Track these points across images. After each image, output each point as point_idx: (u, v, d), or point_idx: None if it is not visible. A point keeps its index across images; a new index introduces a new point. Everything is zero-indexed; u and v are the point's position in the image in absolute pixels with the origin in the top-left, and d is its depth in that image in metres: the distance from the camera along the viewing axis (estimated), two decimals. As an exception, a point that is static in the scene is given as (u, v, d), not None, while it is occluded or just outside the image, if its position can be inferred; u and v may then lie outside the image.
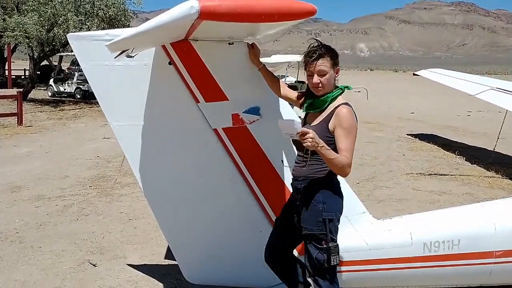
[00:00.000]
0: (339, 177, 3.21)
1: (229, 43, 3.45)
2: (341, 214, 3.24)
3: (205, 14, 2.28)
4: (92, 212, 6.26)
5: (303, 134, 2.77)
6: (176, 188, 3.67)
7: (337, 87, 3.20)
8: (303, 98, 3.34)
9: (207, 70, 3.46)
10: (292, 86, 16.63)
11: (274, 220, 3.63)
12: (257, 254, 3.56)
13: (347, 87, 3.33)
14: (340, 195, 3.23)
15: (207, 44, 3.40)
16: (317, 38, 3.30)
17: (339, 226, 3.33)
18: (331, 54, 3.09)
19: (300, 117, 3.54)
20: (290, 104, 3.63)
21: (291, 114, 3.68)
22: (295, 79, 18.77)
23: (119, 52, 3.03)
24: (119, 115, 3.55)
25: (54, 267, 4.56)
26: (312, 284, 3.28)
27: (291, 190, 3.49)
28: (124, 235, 5.44)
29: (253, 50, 3.48)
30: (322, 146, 2.82)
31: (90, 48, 3.42)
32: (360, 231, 3.85)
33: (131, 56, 3.31)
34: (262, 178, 3.69)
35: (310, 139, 2.76)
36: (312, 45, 3.17)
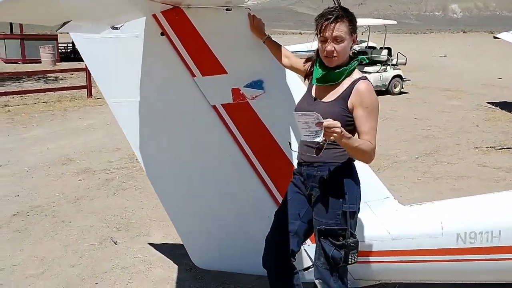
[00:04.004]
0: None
1: (226, 9, 3.09)
2: (360, 204, 2.81)
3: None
4: (131, 187, 6.25)
5: (329, 126, 2.28)
6: (177, 169, 3.43)
7: (353, 57, 2.73)
8: (308, 65, 2.87)
9: (202, 40, 3.13)
10: (362, 52, 15.87)
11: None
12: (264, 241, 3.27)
13: (363, 59, 2.88)
14: (359, 182, 2.80)
15: (202, 11, 3.07)
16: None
17: (360, 211, 2.92)
18: (350, 18, 2.59)
19: None
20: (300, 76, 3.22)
21: (301, 89, 3.27)
22: (366, 45, 17.79)
23: None
24: (114, 91, 3.34)
25: (76, 244, 4.57)
26: (318, 286, 2.80)
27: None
28: (155, 211, 5.35)
29: (254, 23, 3.08)
30: (349, 137, 2.38)
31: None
32: (381, 218, 3.43)
33: (116, 28, 3.08)
34: (267, 158, 3.35)
35: (338, 131, 2.29)
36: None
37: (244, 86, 3.22)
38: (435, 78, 20.15)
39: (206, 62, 3.17)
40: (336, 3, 2.61)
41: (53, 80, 19.22)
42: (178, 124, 3.34)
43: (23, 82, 18.17)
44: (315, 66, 2.74)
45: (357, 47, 18.02)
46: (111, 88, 3.35)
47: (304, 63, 2.94)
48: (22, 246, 4.55)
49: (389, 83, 15.66)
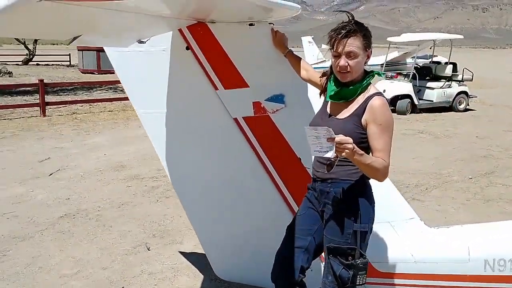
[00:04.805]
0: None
1: (249, 24, 3.14)
2: (373, 224, 2.72)
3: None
4: (174, 195, 6.38)
5: (341, 142, 2.25)
6: (199, 181, 3.51)
7: (367, 72, 2.67)
8: (324, 80, 2.81)
9: (225, 54, 3.20)
10: (425, 67, 15.39)
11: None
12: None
13: (378, 73, 2.80)
14: (373, 202, 2.71)
15: (225, 26, 3.14)
16: (349, 12, 2.69)
17: (379, 232, 2.84)
18: (364, 32, 2.52)
19: None
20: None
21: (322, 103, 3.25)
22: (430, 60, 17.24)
23: None
24: (143, 102, 3.48)
25: (111, 248, 4.75)
26: None
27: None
28: (192, 220, 5.46)
29: (276, 37, 3.10)
30: (361, 154, 2.33)
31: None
32: (405, 240, 3.31)
33: (143, 42, 3.22)
34: (287, 172, 3.35)
35: (350, 147, 2.25)
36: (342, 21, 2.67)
37: (265, 100, 3.25)
38: (507, 96, 19.16)
39: (228, 75, 3.23)
40: (350, 17, 2.56)
41: (121, 90, 20.13)
42: (201, 136, 3.42)
43: (94, 91, 19.18)
44: (329, 82, 2.71)
45: (420, 62, 17.55)
46: (140, 99, 3.49)
47: (320, 77, 2.91)
48: (63, 247, 4.80)
49: (454, 100, 15.09)
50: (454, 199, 6.34)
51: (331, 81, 2.68)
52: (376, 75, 2.73)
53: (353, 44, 2.48)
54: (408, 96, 14.50)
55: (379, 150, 2.46)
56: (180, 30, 3.19)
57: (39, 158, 8.60)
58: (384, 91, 14.69)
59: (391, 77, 15.64)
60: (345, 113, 2.60)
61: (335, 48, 2.53)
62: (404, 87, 14.60)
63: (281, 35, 3.13)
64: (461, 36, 16.63)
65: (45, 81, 14.89)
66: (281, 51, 3.13)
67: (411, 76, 15.05)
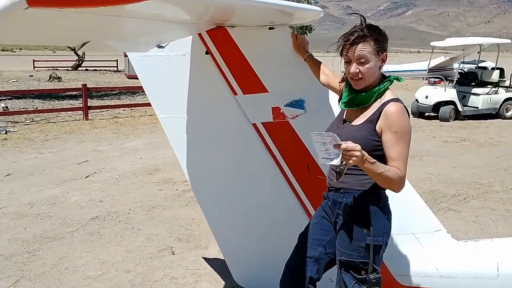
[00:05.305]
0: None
1: (269, 28, 3.09)
2: (388, 237, 2.57)
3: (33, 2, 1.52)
4: (204, 199, 6.42)
5: (348, 148, 2.16)
6: (218, 186, 3.49)
7: (385, 77, 2.54)
8: (342, 85, 2.70)
9: (244, 59, 3.16)
10: (471, 73, 14.88)
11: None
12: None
13: (397, 79, 2.67)
14: (389, 214, 2.58)
15: (245, 30, 3.09)
16: (361, 14, 2.56)
17: (402, 244, 2.70)
18: (376, 36, 2.40)
19: None
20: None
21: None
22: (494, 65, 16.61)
23: None
24: (164, 107, 3.50)
25: (137, 251, 4.79)
26: None
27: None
28: (219, 225, 5.44)
29: (297, 41, 3.03)
30: (373, 162, 2.23)
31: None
32: (430, 253, 3.17)
33: (162, 46, 3.21)
34: (306, 179, 3.27)
35: (358, 155, 2.15)
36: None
37: (284, 105, 3.19)
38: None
39: (247, 80, 3.19)
40: (362, 20, 2.45)
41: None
42: (220, 141, 3.39)
43: (137, 96, 19.59)
44: (344, 89, 2.62)
45: (466, 68, 16.98)
46: (161, 104, 3.51)
47: (339, 82, 2.82)
48: (91, 248, 4.88)
49: (500, 106, 14.51)
50: (493, 210, 6.05)
51: (346, 88, 2.59)
52: (394, 80, 2.61)
53: (363, 49, 2.38)
54: (451, 102, 14.05)
55: (394, 159, 2.33)
56: (199, 35, 3.17)
57: (78, 160, 8.84)
58: (427, 97, 14.31)
59: (434, 83, 15.20)
60: (359, 120, 2.50)
61: (345, 54, 2.44)
62: (447, 93, 14.15)
63: (301, 39, 3.07)
64: (508, 41, 15.98)
65: (89, 86, 15.34)
66: (301, 55, 3.06)
67: (455, 81, 14.58)
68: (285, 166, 3.28)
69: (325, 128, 3.20)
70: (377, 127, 2.41)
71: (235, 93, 3.23)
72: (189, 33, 3.15)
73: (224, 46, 3.15)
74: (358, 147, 2.17)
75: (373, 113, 2.45)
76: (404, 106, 2.46)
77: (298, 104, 3.18)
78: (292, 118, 3.19)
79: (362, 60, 2.38)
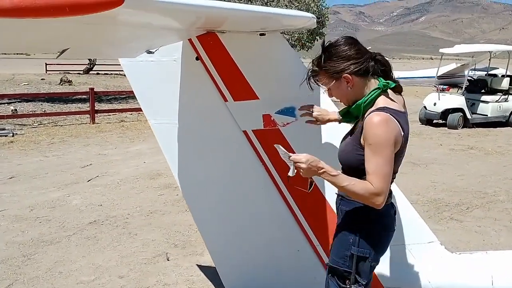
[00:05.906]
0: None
1: (260, 34, 3.06)
2: (381, 253, 2.51)
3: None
4: (203, 205, 6.39)
5: (294, 160, 2.30)
6: (209, 193, 3.45)
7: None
8: None
9: (235, 65, 3.12)
10: (480, 80, 14.73)
11: (311, 238, 3.17)
12: (295, 278, 3.26)
13: (387, 83, 2.55)
14: (383, 226, 2.48)
15: (235, 36, 3.06)
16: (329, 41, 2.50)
17: (394, 256, 2.65)
18: (325, 65, 2.38)
19: None
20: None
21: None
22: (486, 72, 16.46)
23: None
24: (155, 112, 3.48)
25: (132, 256, 4.77)
26: None
27: (331, 204, 3.01)
28: (217, 231, 5.40)
29: (318, 119, 2.87)
30: (334, 175, 2.22)
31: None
32: (422, 265, 3.11)
33: (151, 52, 3.19)
34: (296, 188, 3.21)
35: (303, 167, 2.27)
36: None
37: (275, 113, 3.15)
38: None
39: (238, 87, 3.15)
40: (321, 46, 2.46)
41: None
42: (210, 147, 3.35)
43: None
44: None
45: (476, 75, 16.81)
46: (151, 109, 3.49)
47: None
48: (86, 253, 4.86)
49: (510, 114, 14.34)
50: (497, 220, 5.94)
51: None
52: (383, 87, 2.51)
53: (320, 81, 2.49)
54: (460, 109, 13.89)
55: (369, 173, 2.23)
56: (190, 40, 3.15)
57: (81, 164, 8.86)
58: (435, 104, 14.16)
59: (443, 90, 15.05)
60: (352, 133, 2.49)
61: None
62: (455, 100, 14.00)
63: (317, 108, 2.91)
64: (519, 48, 15.78)
65: (98, 89, 15.43)
66: (336, 120, 2.84)
67: (464, 88, 14.43)
68: (276, 175, 3.23)
69: (316, 135, 3.21)
70: (361, 140, 2.34)
71: (225, 100, 3.19)
72: (178, 38, 3.12)
73: (215, 52, 3.11)
74: (305, 159, 2.26)
75: (359, 126, 2.40)
76: (393, 115, 2.28)
77: (289, 111, 3.14)
78: (283, 126, 3.14)
79: (327, 88, 2.47)
